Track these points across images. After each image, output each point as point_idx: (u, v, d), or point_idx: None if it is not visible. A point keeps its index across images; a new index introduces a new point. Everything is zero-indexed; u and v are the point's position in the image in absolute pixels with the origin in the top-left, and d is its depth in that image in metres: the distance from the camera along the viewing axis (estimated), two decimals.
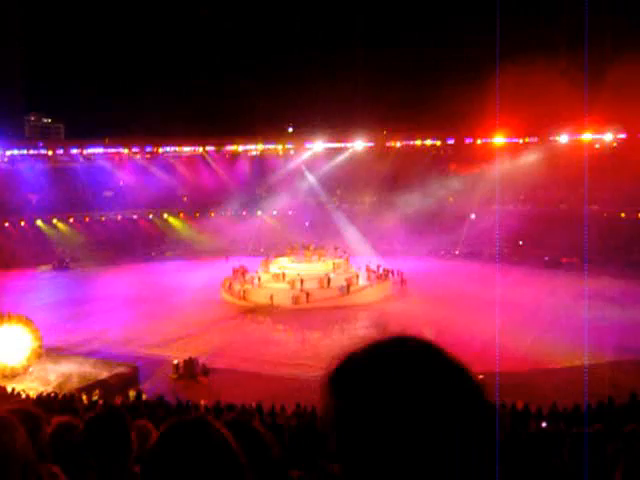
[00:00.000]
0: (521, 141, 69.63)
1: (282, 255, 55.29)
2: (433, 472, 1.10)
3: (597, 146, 65.98)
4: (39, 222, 73.11)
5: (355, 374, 1.19)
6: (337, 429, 1.19)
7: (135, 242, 73.34)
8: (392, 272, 52.23)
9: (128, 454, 3.48)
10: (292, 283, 47.62)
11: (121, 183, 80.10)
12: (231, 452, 1.90)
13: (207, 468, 1.83)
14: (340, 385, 1.21)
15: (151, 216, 79.11)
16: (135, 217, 78.71)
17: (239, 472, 1.89)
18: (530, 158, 67.17)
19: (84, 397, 24.52)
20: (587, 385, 20.99)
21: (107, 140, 76.97)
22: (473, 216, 66.41)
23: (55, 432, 4.14)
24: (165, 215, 79.88)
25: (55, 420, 4.32)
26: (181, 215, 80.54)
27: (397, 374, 1.14)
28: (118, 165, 79.41)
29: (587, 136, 64.40)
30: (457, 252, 65.86)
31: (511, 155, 67.57)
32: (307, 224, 71.24)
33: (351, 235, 67.68)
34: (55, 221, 74.18)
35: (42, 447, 3.67)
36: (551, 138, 67.41)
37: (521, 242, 62.43)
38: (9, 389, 25.75)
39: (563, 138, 66.31)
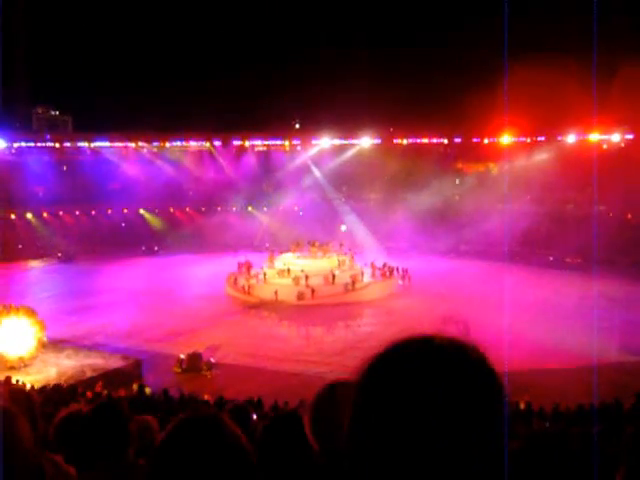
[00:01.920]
0: (529, 140, 69.43)
1: (287, 251, 55.23)
2: (441, 469, 1.11)
3: (605, 146, 65.73)
4: (45, 214, 73.27)
5: (384, 366, 1.22)
6: (358, 416, 1.21)
7: (140, 236, 73.47)
8: (397, 269, 52.20)
9: (126, 446, 3.48)
10: (297, 279, 47.62)
11: (128, 177, 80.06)
12: (242, 451, 1.87)
13: (217, 466, 1.79)
14: (371, 375, 1.23)
15: (157, 210, 79.16)
16: (141, 211, 78.79)
17: (249, 471, 1.86)
18: (537, 158, 67.02)
19: (87, 390, 24.57)
20: (595, 386, 20.95)
21: (114, 133, 76.94)
22: (479, 215, 66.18)
23: (62, 422, 4.15)
24: (171, 209, 79.94)
25: (63, 411, 4.33)
26: (187, 209, 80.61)
27: (421, 371, 1.17)
28: (125, 158, 79.39)
29: (595, 136, 64.16)
30: (463, 250, 65.68)
31: (518, 155, 67.42)
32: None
33: (357, 232, 67.64)
34: (61, 213, 74.33)
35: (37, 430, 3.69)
36: (559, 138, 67.20)
37: (523, 242, 62.15)
38: (13, 380, 25.80)
39: (571, 138, 66.09)
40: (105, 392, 23.70)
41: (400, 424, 1.13)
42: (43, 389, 23.56)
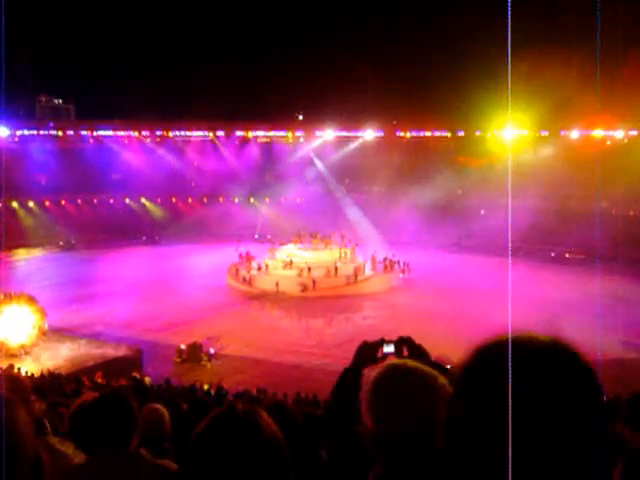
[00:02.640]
0: (532, 135, 69.21)
1: (289, 243, 55.15)
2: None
3: (608, 142, 65.51)
4: (47, 203, 73.30)
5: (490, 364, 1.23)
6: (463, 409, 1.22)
7: (142, 225, 73.57)
8: (398, 263, 52.16)
9: (129, 435, 3.46)
10: (299, 271, 47.59)
11: (130, 166, 79.95)
12: (279, 448, 1.83)
13: (253, 462, 1.74)
14: (478, 371, 1.26)
15: (159, 200, 79.15)
16: (143, 200, 78.79)
17: (284, 470, 1.82)
18: (541, 153, 66.86)
19: (86, 379, 24.58)
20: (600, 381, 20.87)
21: (117, 122, 76.84)
22: (481, 209, 66.05)
23: (75, 412, 4.13)
24: (173, 199, 79.91)
25: (77, 400, 4.31)
26: (189, 200, 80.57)
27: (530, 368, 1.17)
28: (127, 148, 79.27)
29: (598, 132, 63.98)
30: (465, 245, 65.51)
31: (521, 149, 67.22)
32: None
33: (359, 224, 67.57)
34: (63, 202, 74.35)
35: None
36: (562, 133, 67.04)
37: (526, 238, 62.00)
38: (14, 369, 25.83)
39: (574, 134, 65.93)
40: (104, 381, 23.73)
41: (508, 419, 1.13)
42: (42, 377, 23.61)
